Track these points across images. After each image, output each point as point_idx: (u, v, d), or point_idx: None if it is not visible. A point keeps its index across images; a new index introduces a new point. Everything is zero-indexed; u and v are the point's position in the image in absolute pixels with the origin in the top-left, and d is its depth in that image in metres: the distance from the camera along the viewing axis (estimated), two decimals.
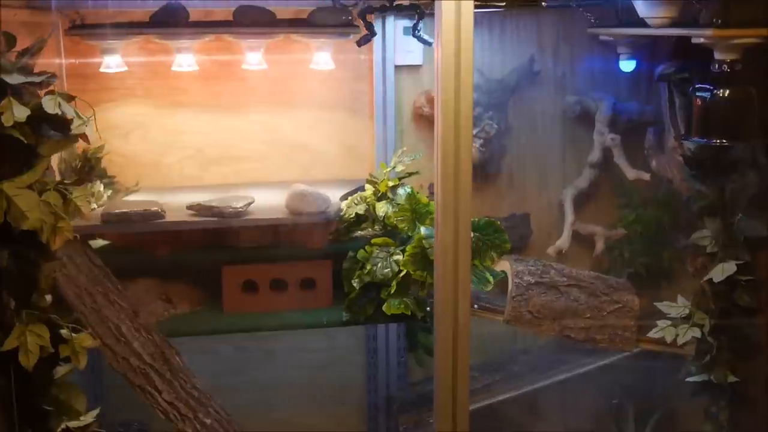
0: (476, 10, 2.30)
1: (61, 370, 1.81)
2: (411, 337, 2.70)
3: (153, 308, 2.29)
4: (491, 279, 2.19)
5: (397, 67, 2.57)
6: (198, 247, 2.34)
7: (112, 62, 2.27)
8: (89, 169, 2.45)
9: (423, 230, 2.11)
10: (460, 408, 1.82)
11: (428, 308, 2.23)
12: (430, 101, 2.55)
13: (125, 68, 2.32)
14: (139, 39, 2.33)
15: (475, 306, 2.31)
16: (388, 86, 2.56)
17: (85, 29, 2.20)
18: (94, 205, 2.37)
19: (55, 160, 2.36)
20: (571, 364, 2.67)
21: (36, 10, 2.12)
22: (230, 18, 2.26)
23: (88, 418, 1.85)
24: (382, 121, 2.58)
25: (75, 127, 1.68)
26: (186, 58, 2.30)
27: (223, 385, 2.66)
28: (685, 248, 2.47)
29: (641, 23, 2.37)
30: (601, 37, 2.54)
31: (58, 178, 2.37)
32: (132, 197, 2.43)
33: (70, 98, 1.72)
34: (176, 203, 2.30)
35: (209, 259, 2.34)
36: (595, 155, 2.58)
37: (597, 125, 2.56)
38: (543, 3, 1.73)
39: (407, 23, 2.54)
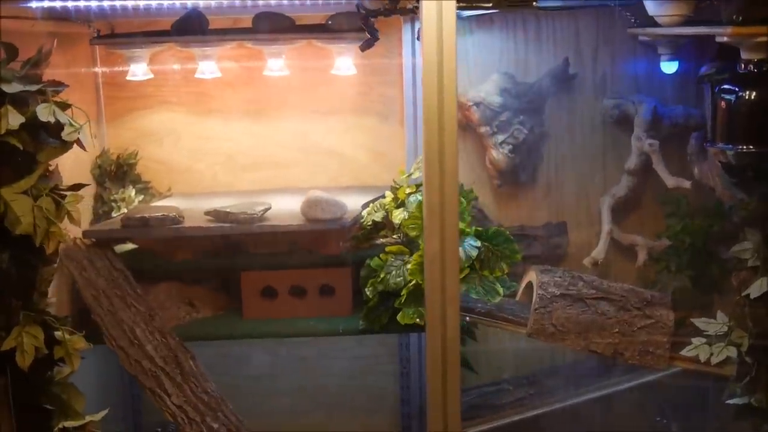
0: (476, 12, 2.25)
1: (63, 371, 1.86)
2: None
3: (176, 312, 2.33)
4: (500, 290, 2.12)
5: None
6: (220, 253, 2.35)
7: (138, 70, 2.33)
8: (122, 174, 2.52)
9: None
10: (451, 420, 1.77)
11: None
12: (460, 107, 2.48)
13: (151, 75, 2.37)
14: (166, 47, 2.38)
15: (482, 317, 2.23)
16: (418, 91, 2.51)
17: (108, 38, 2.26)
18: (125, 210, 2.44)
19: (88, 165, 2.45)
20: (610, 380, 2.55)
21: (62, 20, 2.19)
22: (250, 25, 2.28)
23: (97, 417, 1.90)
24: (413, 126, 2.54)
25: (66, 134, 1.72)
26: (208, 65, 2.33)
27: (255, 390, 2.70)
28: (729, 261, 2.32)
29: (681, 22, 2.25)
30: (641, 38, 2.41)
31: (91, 183, 2.46)
32: (163, 202, 2.49)
33: (66, 106, 1.77)
34: (201, 209, 2.33)
35: (231, 264, 2.35)
36: (632, 161, 2.45)
37: (635, 130, 2.43)
38: (534, 3, 1.64)
39: None
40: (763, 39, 1.78)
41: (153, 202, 2.49)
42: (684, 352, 2.20)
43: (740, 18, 1.76)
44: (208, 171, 2.59)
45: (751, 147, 1.89)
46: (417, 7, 1.95)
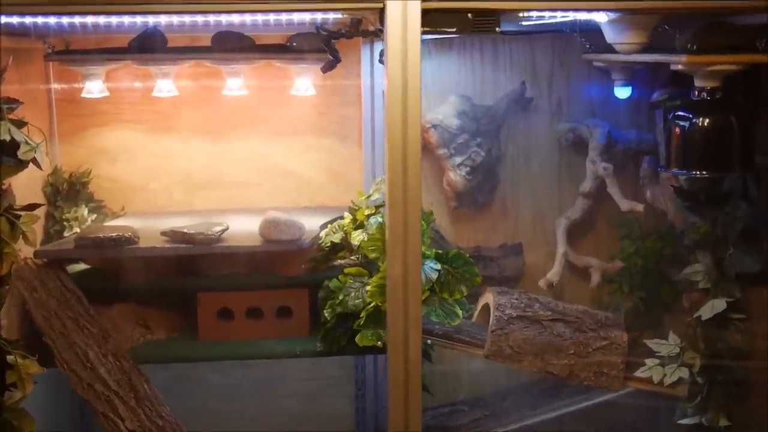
0: (435, 36, 2.27)
1: (14, 396, 1.81)
2: None
3: (130, 334, 2.28)
4: (460, 313, 2.12)
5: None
6: (175, 274, 2.32)
7: (94, 87, 2.29)
8: (75, 193, 2.47)
9: None
10: None
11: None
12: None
13: (107, 93, 2.34)
14: (123, 65, 2.35)
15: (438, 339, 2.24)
16: (376, 112, 2.52)
17: (63, 55, 2.22)
18: (77, 229, 2.39)
19: (40, 183, 2.40)
20: (564, 401, 2.57)
21: (17, 36, 2.15)
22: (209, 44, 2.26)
23: None
24: (371, 147, 2.54)
25: (21, 153, 1.69)
26: (166, 83, 2.30)
27: (210, 413, 2.66)
28: (682, 283, 2.37)
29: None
30: (596, 64, 2.46)
31: (44, 201, 2.41)
32: (117, 222, 2.45)
33: (21, 124, 1.73)
34: (157, 229, 2.29)
35: (186, 285, 2.31)
36: (587, 185, 2.49)
37: (590, 153, 2.48)
38: (497, 30, 1.66)
39: None
40: (716, 67, 1.83)
41: (106, 222, 2.45)
42: (638, 373, 2.23)
43: (695, 47, 1.80)
44: (163, 190, 2.56)
45: (704, 173, 1.93)
46: (381, 30, 1.96)
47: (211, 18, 1.97)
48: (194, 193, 2.57)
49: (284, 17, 1.84)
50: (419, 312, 1.71)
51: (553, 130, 2.57)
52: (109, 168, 2.53)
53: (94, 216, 2.45)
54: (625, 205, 2.42)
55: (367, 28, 1.89)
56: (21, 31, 2.11)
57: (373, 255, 2.14)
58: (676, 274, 2.46)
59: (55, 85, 2.42)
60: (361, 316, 2.13)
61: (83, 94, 2.31)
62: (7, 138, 1.69)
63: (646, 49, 1.89)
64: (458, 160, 2.46)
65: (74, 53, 2.23)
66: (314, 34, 2.22)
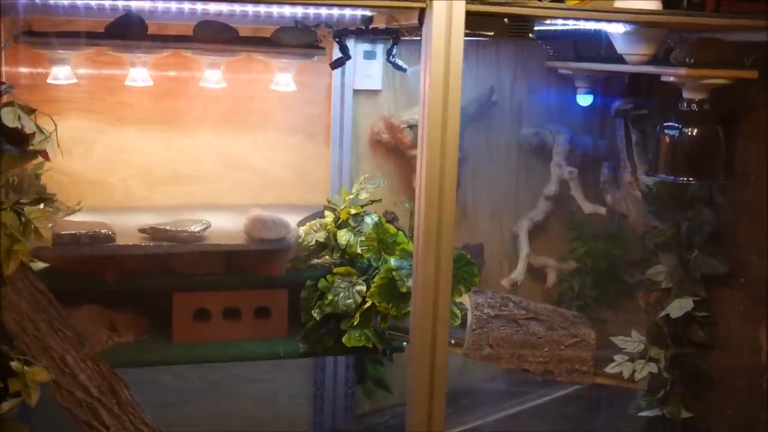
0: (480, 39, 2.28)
1: (5, 406, 1.67)
2: (359, 369, 2.63)
3: (97, 336, 2.15)
4: (458, 313, 2.15)
5: (356, 92, 2.52)
6: (145, 273, 2.20)
7: (61, 73, 2.13)
8: (28, 186, 2.29)
9: (393, 261, 2.04)
10: None
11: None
12: (389, 127, 2.50)
13: (74, 80, 2.18)
14: (88, 50, 2.20)
15: None
16: (345, 111, 2.50)
17: (37, 36, 2.06)
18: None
19: None
20: (522, 397, 2.65)
21: None
22: (189, 33, 2.16)
23: None
24: (338, 146, 2.52)
25: (37, 143, 1.56)
26: (140, 72, 2.18)
27: (165, 417, 2.53)
28: (639, 283, 2.49)
29: (598, 58, 2.41)
30: (560, 71, 2.55)
31: None
32: (74, 217, 2.29)
33: (30, 111, 1.60)
34: (122, 225, 2.17)
35: (157, 285, 2.21)
36: (552, 188, 2.58)
37: (555, 158, 2.56)
38: (531, 35, 1.70)
39: (368, 47, 2.49)
40: (708, 81, 1.95)
41: (63, 218, 2.28)
42: (608, 369, 2.33)
43: (692, 60, 1.91)
44: (121, 184, 2.42)
45: (691, 179, 2.05)
46: (399, 30, 1.96)
47: (212, 6, 1.87)
48: (153, 187, 2.45)
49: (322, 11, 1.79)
50: (447, 313, 1.72)
51: (514, 133, 2.64)
52: (63, 160, 2.34)
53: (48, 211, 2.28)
54: (588, 208, 2.52)
55: (391, 25, 1.87)
56: None
57: (368, 254, 2.12)
58: (630, 275, 2.60)
59: (8, 68, 2.23)
60: (356, 316, 2.10)
61: (49, 80, 2.15)
62: (18, 125, 1.55)
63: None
64: None
65: (46, 35, 2.07)
66: (300, 29, 2.18)
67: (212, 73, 2.22)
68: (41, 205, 2.15)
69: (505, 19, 1.68)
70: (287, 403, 2.66)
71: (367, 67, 2.51)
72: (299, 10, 1.82)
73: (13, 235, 1.54)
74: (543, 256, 2.68)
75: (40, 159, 1.66)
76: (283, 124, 2.50)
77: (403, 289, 2.00)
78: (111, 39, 2.08)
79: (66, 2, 1.93)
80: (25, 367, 1.60)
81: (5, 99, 1.63)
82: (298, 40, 2.17)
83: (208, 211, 2.34)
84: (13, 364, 1.59)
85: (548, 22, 1.85)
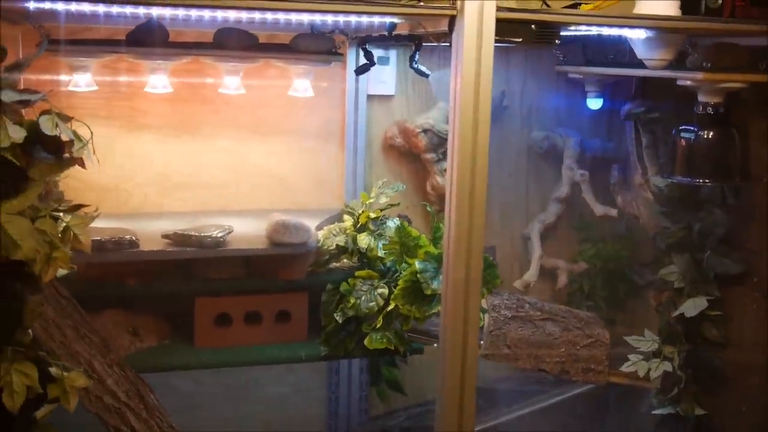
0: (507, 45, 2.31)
1: (41, 412, 1.68)
2: (374, 371, 2.65)
3: (119, 342, 2.16)
4: (482, 315, 2.18)
5: (369, 97, 2.54)
6: (167, 278, 2.22)
7: (82, 81, 2.15)
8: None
9: (417, 264, 2.07)
10: None
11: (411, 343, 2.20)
12: (403, 132, 2.53)
13: (95, 87, 2.19)
14: (109, 57, 2.21)
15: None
16: (360, 116, 2.52)
17: (60, 45, 2.07)
18: None
19: None
20: (535, 397, 2.68)
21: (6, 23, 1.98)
22: (205, 39, 2.18)
23: None
24: (353, 150, 2.54)
25: (76, 150, 1.57)
26: (161, 79, 2.20)
27: (181, 421, 2.54)
28: (650, 283, 2.53)
29: (607, 62, 2.45)
30: (570, 75, 2.59)
31: None
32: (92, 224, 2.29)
33: (67, 119, 1.61)
34: (142, 230, 2.18)
35: (179, 290, 2.22)
36: (563, 190, 2.62)
37: (566, 161, 2.60)
38: (557, 41, 1.73)
39: (381, 53, 2.52)
40: (724, 85, 1.99)
41: None
42: (624, 368, 2.37)
43: (709, 65, 1.95)
44: (137, 190, 2.43)
45: (707, 181, 2.09)
46: (415, 35, 1.98)
47: (245, 14, 1.89)
48: (169, 193, 2.46)
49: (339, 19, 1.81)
50: (477, 316, 1.75)
51: (525, 137, 2.68)
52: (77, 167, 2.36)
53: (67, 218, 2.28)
54: (599, 210, 2.56)
55: (416, 31, 1.89)
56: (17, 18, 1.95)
57: (390, 258, 2.15)
58: (641, 276, 2.64)
59: (29, 76, 2.24)
60: (379, 319, 2.13)
61: (70, 87, 2.16)
62: (56, 133, 1.56)
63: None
64: (445, 164, 2.50)
65: (70, 43, 2.08)
66: (319, 35, 2.20)
67: (232, 80, 2.24)
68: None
69: (533, 26, 1.71)
70: (302, 406, 2.67)
71: (380, 73, 2.54)
72: (317, 18, 1.83)
73: (52, 242, 1.55)
74: (553, 258, 2.71)
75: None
76: (298, 129, 2.52)
77: (428, 292, 2.03)
78: (134, 46, 2.09)
79: (87, 10, 1.94)
80: (64, 373, 1.60)
81: (41, 107, 1.63)
82: (317, 46, 2.20)
83: (224, 217, 2.35)
84: (52, 369, 1.60)
85: (572, 28, 1.88)
